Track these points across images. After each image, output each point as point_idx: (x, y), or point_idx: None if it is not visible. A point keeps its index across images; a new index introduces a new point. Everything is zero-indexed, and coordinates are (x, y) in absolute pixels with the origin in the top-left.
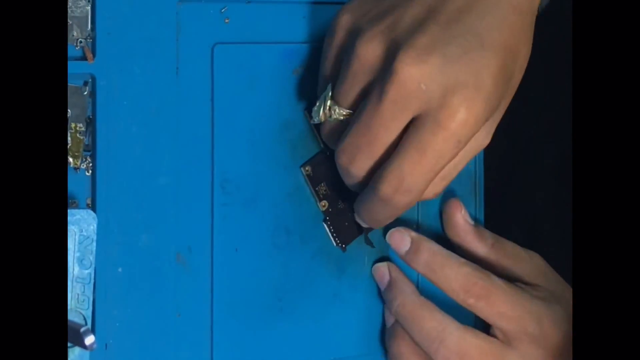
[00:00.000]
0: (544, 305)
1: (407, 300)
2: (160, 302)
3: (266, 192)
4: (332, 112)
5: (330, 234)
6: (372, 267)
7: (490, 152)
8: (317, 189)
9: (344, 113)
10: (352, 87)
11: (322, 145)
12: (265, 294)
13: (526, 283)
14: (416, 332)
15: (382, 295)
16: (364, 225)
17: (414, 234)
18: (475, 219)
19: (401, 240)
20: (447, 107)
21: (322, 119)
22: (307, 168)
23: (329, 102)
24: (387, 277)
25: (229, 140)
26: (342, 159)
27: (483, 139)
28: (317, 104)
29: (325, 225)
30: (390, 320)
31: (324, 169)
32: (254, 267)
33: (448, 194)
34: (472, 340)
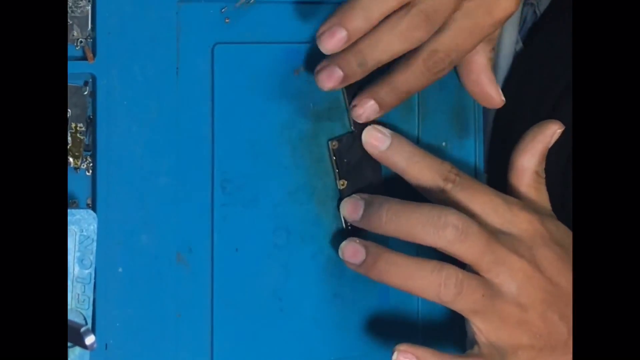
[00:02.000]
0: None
1: (393, 202)
2: (160, 302)
3: (266, 192)
4: None
5: (342, 216)
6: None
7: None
8: (339, 165)
9: None
10: None
11: (351, 127)
12: (265, 294)
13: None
14: (417, 218)
15: (361, 223)
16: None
17: (392, 132)
18: None
19: (381, 135)
20: None
21: None
22: (334, 143)
23: None
24: (360, 210)
25: (229, 140)
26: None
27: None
28: None
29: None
30: (361, 253)
31: (350, 148)
32: (254, 267)
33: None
34: (468, 219)
